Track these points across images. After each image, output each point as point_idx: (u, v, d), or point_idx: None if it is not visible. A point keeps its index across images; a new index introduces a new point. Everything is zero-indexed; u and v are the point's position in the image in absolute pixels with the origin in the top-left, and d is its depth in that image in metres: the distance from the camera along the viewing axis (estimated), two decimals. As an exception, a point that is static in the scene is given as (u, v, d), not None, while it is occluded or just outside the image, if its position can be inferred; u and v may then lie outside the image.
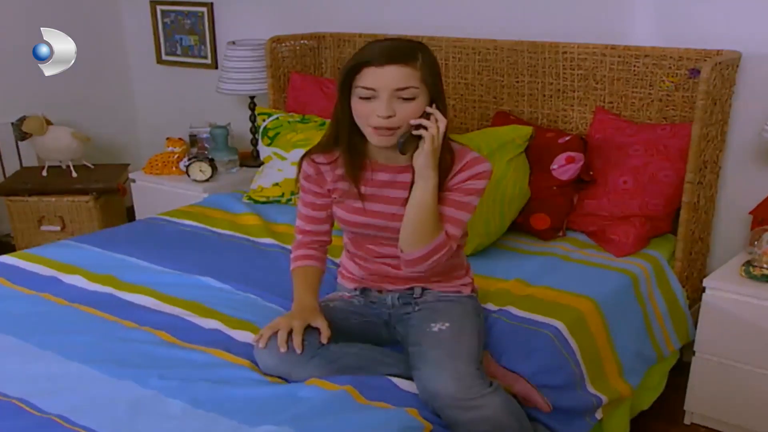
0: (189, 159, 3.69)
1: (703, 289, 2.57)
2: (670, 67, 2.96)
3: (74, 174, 4.00)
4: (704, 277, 2.72)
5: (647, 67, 3.00)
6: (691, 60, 2.91)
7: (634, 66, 3.03)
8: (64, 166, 4.05)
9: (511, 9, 3.35)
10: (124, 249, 2.80)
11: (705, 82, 2.62)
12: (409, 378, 2.00)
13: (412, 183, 2.01)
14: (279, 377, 1.99)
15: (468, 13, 3.46)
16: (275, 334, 1.98)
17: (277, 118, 3.44)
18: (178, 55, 4.51)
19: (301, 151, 3.20)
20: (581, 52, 3.12)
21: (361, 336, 2.15)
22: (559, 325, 2.28)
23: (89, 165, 4.12)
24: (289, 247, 2.81)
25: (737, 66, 2.84)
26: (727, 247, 3.03)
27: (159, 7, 4.49)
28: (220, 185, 3.68)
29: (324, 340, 1.98)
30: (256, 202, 3.31)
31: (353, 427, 1.75)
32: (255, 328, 2.20)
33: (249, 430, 1.73)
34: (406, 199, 2.03)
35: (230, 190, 3.62)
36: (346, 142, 2.04)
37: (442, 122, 1.92)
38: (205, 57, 4.40)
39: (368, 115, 1.92)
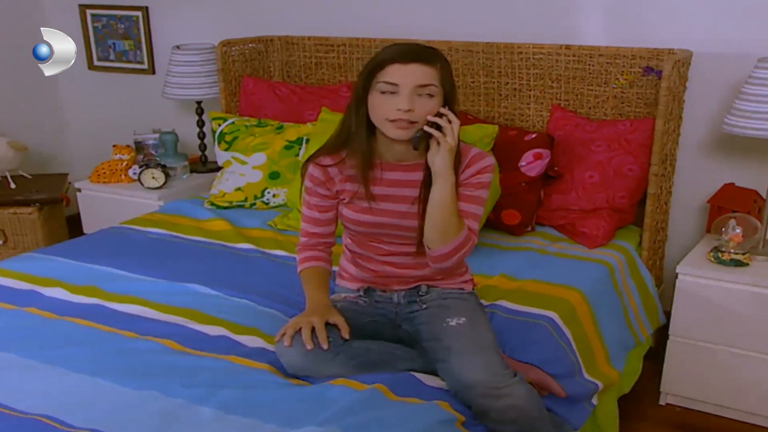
0: (140, 166, 3.61)
1: (676, 276, 2.70)
2: (623, 66, 3.09)
3: (12, 185, 3.85)
4: (664, 264, 2.87)
5: (602, 66, 3.13)
6: (644, 59, 3.04)
7: (589, 65, 3.15)
8: (0, 177, 3.89)
9: (465, 11, 3.43)
10: (98, 259, 2.73)
11: (667, 79, 2.75)
12: (427, 372, 2.04)
13: (423, 181, 2.07)
14: (302, 378, 2.01)
15: (420, 16, 3.52)
16: (298, 332, 1.99)
17: (233, 123, 3.41)
18: (111, 61, 4.40)
19: (261, 155, 3.26)
20: (536, 52, 3.22)
21: (370, 335, 2.16)
22: (553, 315, 2.36)
23: (27, 175, 3.98)
24: (268, 251, 2.85)
25: (689, 64, 3.00)
26: (682, 235, 3.20)
27: (89, 11, 4.36)
28: (173, 192, 3.62)
29: (345, 335, 2.01)
30: (218, 207, 3.28)
31: (394, 423, 1.78)
32: (262, 335, 2.20)
33: (288, 433, 1.74)
34: (416, 198, 2.09)
35: (186, 196, 3.57)
36: (359, 143, 2.07)
37: (456, 123, 1.97)
38: (142, 62, 4.31)
39: (388, 109, 1.97)
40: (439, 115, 1.98)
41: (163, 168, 3.60)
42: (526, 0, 3.30)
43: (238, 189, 3.28)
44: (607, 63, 3.12)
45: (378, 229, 2.15)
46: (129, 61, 4.35)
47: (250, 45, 3.72)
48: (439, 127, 1.97)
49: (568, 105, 3.23)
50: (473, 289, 2.32)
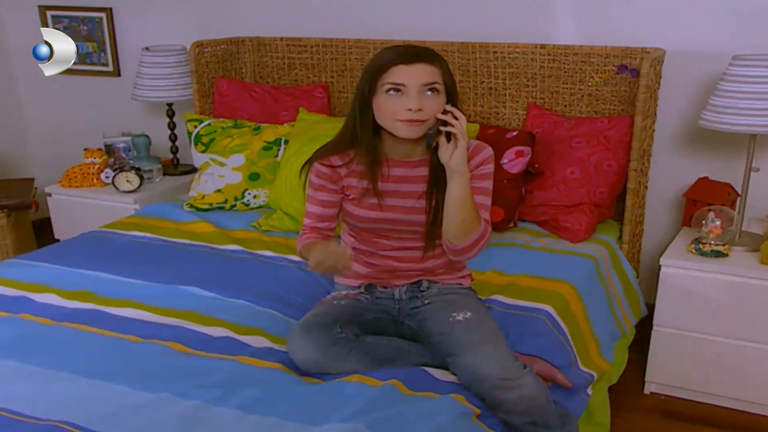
0: (114, 170, 3.57)
1: (659, 267, 2.78)
2: (598, 64, 3.17)
3: (-23, 191, 3.77)
4: (641, 257, 2.95)
5: (576, 65, 3.20)
6: (618, 57, 3.12)
7: (564, 63, 3.22)
8: (-37, 184, 3.81)
9: (440, 11, 3.47)
10: (85, 264, 2.70)
11: (645, 77, 2.83)
12: (437, 367, 2.07)
13: (429, 177, 2.13)
14: (314, 375, 2.03)
15: (395, 16, 3.55)
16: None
17: (209, 124, 3.39)
18: (75, 63, 4.32)
19: (240, 156, 3.25)
20: (512, 52, 3.28)
21: (373, 332, 2.19)
22: (549, 309, 2.41)
23: (-9, 181, 3.90)
24: (256, 252, 2.87)
25: (662, 62, 3.08)
26: (657, 228, 3.30)
27: (49, 13, 4.29)
28: (148, 195, 3.58)
29: (349, 252, 2.05)
30: (199, 209, 3.26)
31: (416, 417, 1.80)
32: (266, 335, 2.22)
33: (313, 429, 1.74)
34: (423, 193, 2.15)
35: (162, 199, 3.54)
36: (366, 143, 2.11)
37: (462, 119, 2.01)
38: (106, 64, 4.25)
39: (396, 110, 2.01)
40: (445, 112, 2.02)
41: (138, 171, 3.56)
42: (501, 0, 3.35)
43: (218, 191, 3.26)
44: (581, 62, 3.19)
45: (385, 225, 2.18)
46: (93, 64, 4.28)
47: (222, 46, 3.70)
48: (446, 124, 2.01)
49: (543, 103, 3.29)
50: (471, 284, 2.36)
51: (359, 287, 2.30)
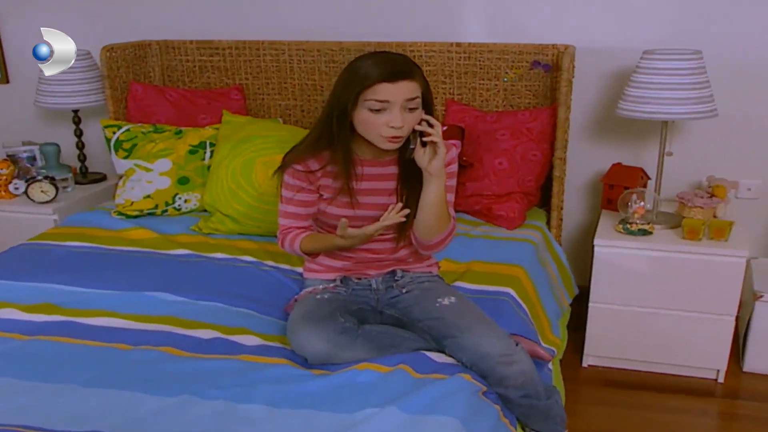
0: (26, 180, 3.42)
1: (593, 248, 2.99)
2: (512, 61, 3.35)
3: None
4: (562, 240, 3.16)
5: (491, 62, 3.37)
6: (530, 54, 3.32)
7: (479, 61, 3.38)
8: None
9: (355, 11, 3.54)
10: (33, 276, 2.60)
11: (567, 71, 3.04)
12: (431, 350, 2.15)
13: (399, 174, 2.26)
14: (320, 366, 2.06)
15: (310, 17, 3.59)
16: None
17: (129, 130, 3.32)
18: (-44, 71, 4.09)
19: (166, 161, 3.22)
20: (428, 50, 3.41)
21: (360, 322, 2.24)
22: (510, 291, 2.56)
23: None
24: (209, 255, 2.86)
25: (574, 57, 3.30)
26: (573, 212, 3.53)
27: (-76, 19, 4.04)
28: (66, 205, 3.47)
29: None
30: (129, 216, 3.18)
31: (439, 396, 1.88)
32: (254, 333, 2.25)
33: (351, 417, 1.79)
34: (394, 190, 2.26)
35: (79, 208, 3.44)
36: (343, 146, 2.18)
37: (438, 126, 2.13)
38: (-8, 71, 4.05)
39: (380, 125, 2.09)
40: (422, 122, 2.13)
41: (52, 181, 3.43)
42: (416, 0, 3.47)
43: (147, 197, 3.20)
44: (496, 59, 3.36)
45: (361, 222, 2.24)
46: (-23, 70, 4.07)
47: (128, 50, 3.62)
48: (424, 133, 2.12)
49: (461, 99, 3.44)
50: (438, 272, 2.48)
51: (334, 280, 2.35)
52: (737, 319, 2.92)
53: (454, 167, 2.31)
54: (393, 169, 2.27)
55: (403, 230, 2.30)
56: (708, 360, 3.01)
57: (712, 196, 3.11)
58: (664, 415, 2.83)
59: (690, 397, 2.94)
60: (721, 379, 3.02)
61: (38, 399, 1.88)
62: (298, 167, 2.23)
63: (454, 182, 2.32)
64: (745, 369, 3.09)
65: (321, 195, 2.26)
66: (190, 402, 1.85)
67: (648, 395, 2.95)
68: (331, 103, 2.17)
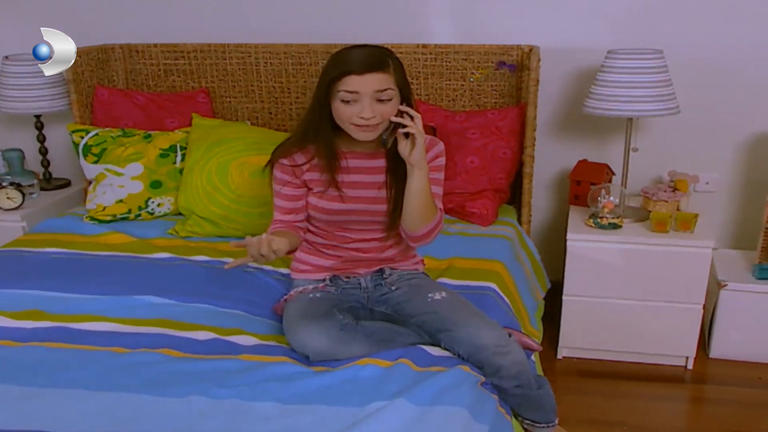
0: (-8, 187, 3.37)
1: (565, 242, 3.07)
2: (478, 62, 3.42)
3: None
4: (531, 235, 3.25)
5: (458, 62, 3.43)
6: (496, 54, 3.39)
7: (446, 62, 3.44)
8: None
9: (321, 14, 3.57)
10: (15, 283, 2.56)
11: (536, 71, 3.12)
12: (426, 344, 2.20)
13: (387, 167, 2.28)
14: (321, 363, 2.10)
15: (277, 20, 3.61)
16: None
17: (97, 134, 3.30)
18: None
19: (137, 165, 3.22)
20: (395, 52, 3.44)
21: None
22: (493, 286, 2.62)
23: None
24: (191, 257, 2.86)
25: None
26: (539, 208, 3.61)
27: None
28: (33, 212, 3.42)
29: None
30: (102, 221, 3.16)
31: (444, 388, 1.92)
32: (249, 333, 2.27)
33: (362, 410, 1.83)
34: (383, 183, 2.29)
35: (48, 215, 3.40)
36: (324, 138, 2.22)
37: (418, 117, 2.17)
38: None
39: (351, 116, 2.13)
40: (400, 113, 2.16)
41: (18, 187, 3.38)
42: (382, 2, 3.52)
43: (120, 201, 3.18)
44: (462, 60, 3.43)
45: (349, 216, 2.30)
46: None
47: (91, 54, 3.58)
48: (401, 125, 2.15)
49: (429, 99, 3.50)
50: (423, 269, 2.53)
51: (324, 280, 2.38)
52: (704, 307, 3.04)
53: (442, 161, 2.35)
54: (381, 162, 2.30)
55: (392, 229, 2.34)
56: (677, 348, 3.13)
57: (675, 189, 3.22)
58: (638, 401, 2.94)
59: (661, 383, 3.05)
60: (690, 366, 3.14)
61: (45, 405, 1.86)
62: (284, 161, 2.28)
63: (441, 175, 2.35)
64: (711, 355, 3.21)
65: (310, 189, 2.30)
66: (200, 402, 1.86)
67: (622, 383, 3.05)
68: (314, 96, 2.22)
